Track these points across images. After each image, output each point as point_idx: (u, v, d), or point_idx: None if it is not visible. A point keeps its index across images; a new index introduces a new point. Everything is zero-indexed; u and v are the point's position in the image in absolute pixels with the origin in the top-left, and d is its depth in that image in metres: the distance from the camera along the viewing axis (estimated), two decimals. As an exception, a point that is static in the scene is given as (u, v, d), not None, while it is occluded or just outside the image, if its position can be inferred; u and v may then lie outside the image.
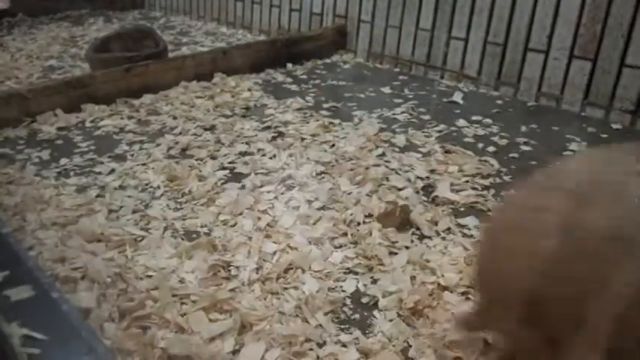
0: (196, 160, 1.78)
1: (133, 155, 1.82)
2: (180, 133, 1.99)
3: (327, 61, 2.99)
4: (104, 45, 2.60)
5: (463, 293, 1.13)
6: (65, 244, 1.27)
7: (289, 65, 2.85)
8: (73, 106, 2.16)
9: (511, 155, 1.83)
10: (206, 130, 2.03)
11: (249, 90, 2.45)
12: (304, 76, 2.71)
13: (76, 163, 1.76)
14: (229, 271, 1.21)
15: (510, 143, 1.93)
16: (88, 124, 2.08)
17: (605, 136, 2.00)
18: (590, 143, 1.92)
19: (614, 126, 2.08)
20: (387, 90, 2.50)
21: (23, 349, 0.73)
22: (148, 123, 2.09)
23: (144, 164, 1.75)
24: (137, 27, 2.76)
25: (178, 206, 1.51)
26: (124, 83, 2.30)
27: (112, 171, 1.71)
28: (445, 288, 1.13)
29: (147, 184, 1.62)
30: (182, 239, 1.34)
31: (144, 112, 2.19)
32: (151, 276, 1.19)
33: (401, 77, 2.70)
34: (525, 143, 1.93)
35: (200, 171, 1.69)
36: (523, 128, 2.06)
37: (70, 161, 1.78)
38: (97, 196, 1.55)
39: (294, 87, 2.55)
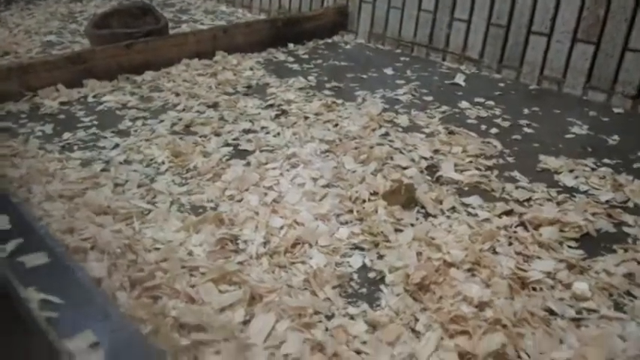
0: (200, 136, 1.78)
1: (136, 131, 1.82)
2: (183, 110, 1.99)
3: (329, 41, 2.98)
4: (103, 21, 2.58)
5: (469, 270, 1.14)
6: (73, 216, 1.27)
7: (290, 45, 2.84)
8: (74, 81, 2.15)
9: (514, 137, 1.84)
10: (209, 107, 2.02)
11: (251, 69, 2.44)
12: (306, 56, 2.70)
13: (80, 138, 1.76)
14: (237, 244, 1.22)
15: (513, 125, 1.94)
16: (90, 100, 2.07)
17: (606, 119, 2.01)
18: (592, 127, 1.93)
19: (616, 110, 2.09)
20: (389, 71, 2.49)
21: (41, 313, 0.74)
22: (151, 99, 2.08)
23: (147, 140, 1.75)
24: (136, 3, 2.73)
25: (184, 181, 1.51)
26: (126, 59, 2.28)
27: (116, 146, 1.70)
28: (451, 264, 1.15)
29: (151, 160, 1.62)
30: (189, 213, 1.35)
31: (146, 89, 2.18)
32: (158, 248, 1.20)
33: (402, 58, 2.70)
34: (528, 125, 1.94)
35: (204, 147, 1.70)
36: (525, 111, 2.07)
37: (74, 135, 1.77)
38: (102, 170, 1.55)
39: (295, 66, 2.54)
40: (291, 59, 2.64)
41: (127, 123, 1.88)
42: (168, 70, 2.36)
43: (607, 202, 1.44)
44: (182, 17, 3.46)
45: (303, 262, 1.17)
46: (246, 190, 1.45)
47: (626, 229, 1.33)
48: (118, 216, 1.31)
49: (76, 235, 1.18)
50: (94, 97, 2.09)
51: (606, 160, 1.68)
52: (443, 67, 2.58)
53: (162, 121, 1.90)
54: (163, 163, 1.60)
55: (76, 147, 1.69)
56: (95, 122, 1.88)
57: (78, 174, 1.51)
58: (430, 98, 2.18)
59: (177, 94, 2.12)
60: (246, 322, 0.99)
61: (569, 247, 1.24)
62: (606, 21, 2.09)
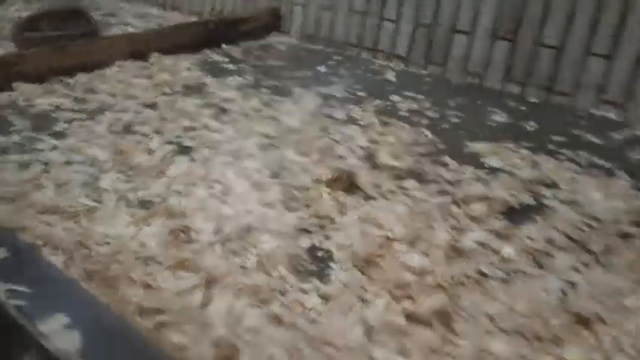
0: (141, 135, 1.78)
1: (73, 132, 1.80)
2: (121, 110, 1.98)
3: (263, 42, 3.04)
4: (30, 24, 2.51)
5: (409, 243, 1.24)
6: (18, 216, 1.26)
7: (224, 46, 2.87)
8: (3, 85, 2.08)
9: (443, 127, 1.98)
10: (147, 107, 2.02)
11: (188, 69, 2.46)
12: (241, 57, 2.75)
13: (14, 141, 1.71)
14: (189, 235, 1.26)
15: (441, 116, 2.08)
16: (21, 103, 2.01)
17: (523, 108, 2.20)
18: (511, 115, 2.11)
19: (531, 100, 2.28)
20: (322, 69, 2.59)
21: (10, 301, 0.76)
22: (86, 101, 2.05)
23: (86, 140, 1.73)
24: (66, 6, 2.67)
25: (129, 179, 1.52)
26: (57, 62, 2.24)
27: (55, 147, 1.68)
28: (393, 240, 1.24)
29: (93, 159, 1.61)
30: (137, 209, 1.37)
31: (80, 91, 2.15)
32: (109, 243, 1.21)
33: (335, 57, 2.80)
34: (455, 116, 2.08)
35: (147, 145, 1.71)
36: (451, 103, 2.22)
37: (7, 139, 1.73)
38: (43, 171, 1.53)
39: (231, 66, 2.58)
40: (226, 59, 2.68)
41: (63, 125, 1.85)
42: (102, 72, 2.33)
43: (527, 179, 1.59)
44: (111, 20, 3.40)
45: (254, 247, 1.22)
46: (193, 184, 1.48)
47: (544, 201, 1.48)
48: (66, 214, 1.30)
49: (26, 234, 1.17)
50: (25, 100, 2.04)
51: (524, 143, 1.84)
52: (374, 65, 2.70)
53: (100, 122, 1.88)
54: (106, 162, 1.60)
55: (11, 150, 1.65)
56: (29, 125, 1.83)
57: (18, 176, 1.48)
58: (363, 94, 2.29)
59: (114, 95, 2.11)
60: (205, 304, 1.04)
61: (497, 219, 1.37)
62: (522, 20, 2.28)
